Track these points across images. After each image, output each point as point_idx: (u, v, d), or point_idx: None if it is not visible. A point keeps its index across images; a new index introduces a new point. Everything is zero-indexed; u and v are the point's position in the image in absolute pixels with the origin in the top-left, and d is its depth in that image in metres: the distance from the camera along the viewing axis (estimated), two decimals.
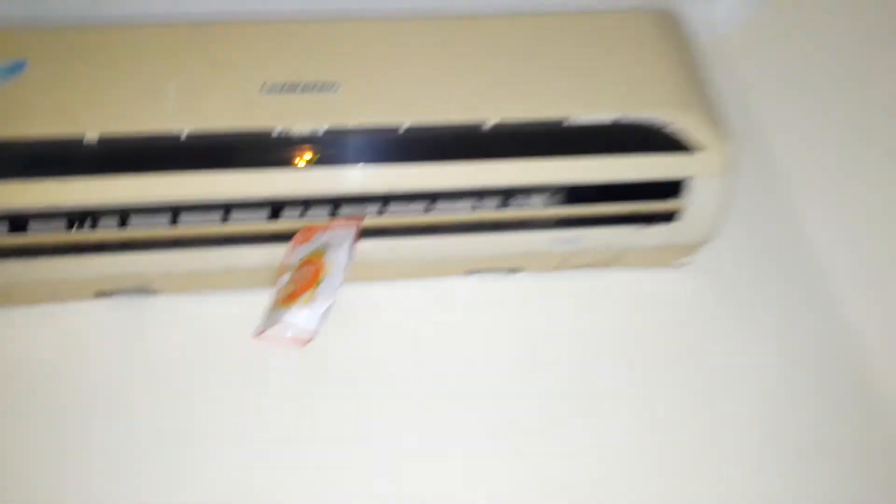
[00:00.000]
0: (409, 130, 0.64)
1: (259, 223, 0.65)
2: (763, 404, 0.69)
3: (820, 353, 0.72)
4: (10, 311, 0.69)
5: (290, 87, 0.65)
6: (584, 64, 0.70)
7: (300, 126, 0.63)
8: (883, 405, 0.69)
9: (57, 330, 0.69)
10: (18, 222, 0.64)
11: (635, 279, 0.75)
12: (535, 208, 0.68)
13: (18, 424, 0.65)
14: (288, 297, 0.61)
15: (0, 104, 0.62)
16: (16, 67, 0.64)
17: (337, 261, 0.62)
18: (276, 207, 0.67)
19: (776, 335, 0.73)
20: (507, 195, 0.68)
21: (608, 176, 0.65)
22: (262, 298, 0.67)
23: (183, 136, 0.62)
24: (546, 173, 0.65)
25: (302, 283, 0.61)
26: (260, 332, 0.63)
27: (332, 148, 0.64)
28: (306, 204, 0.66)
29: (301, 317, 0.59)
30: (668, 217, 0.69)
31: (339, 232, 0.64)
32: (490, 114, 0.65)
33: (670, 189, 0.67)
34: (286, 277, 0.63)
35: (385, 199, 0.66)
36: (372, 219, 0.67)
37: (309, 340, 0.61)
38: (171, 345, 0.69)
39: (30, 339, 0.69)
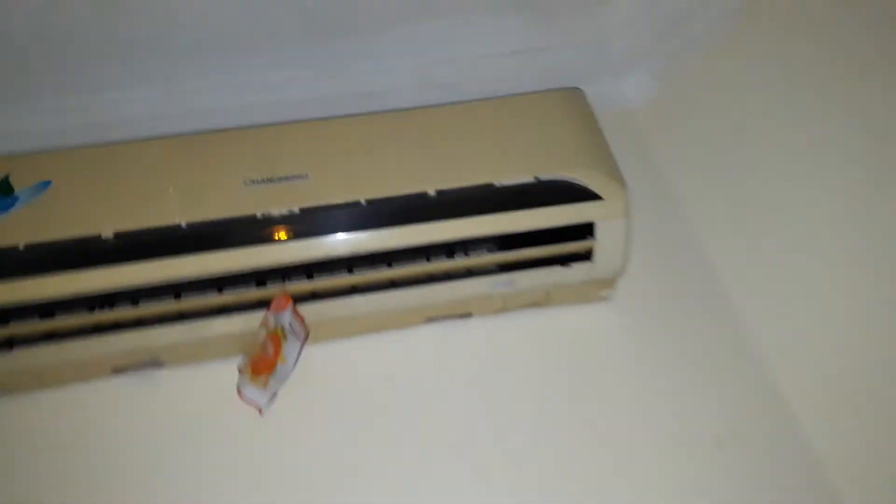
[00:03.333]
0: (369, 203, 0.79)
1: (251, 291, 0.79)
2: (672, 401, 0.84)
3: (721, 364, 0.88)
4: (40, 393, 0.80)
5: (268, 180, 0.80)
6: (508, 138, 0.86)
7: (279, 209, 0.78)
8: (784, 410, 0.83)
9: (82, 406, 0.80)
10: (47, 311, 0.77)
11: (566, 313, 0.90)
12: (476, 257, 0.83)
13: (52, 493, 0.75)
14: (252, 368, 0.76)
15: (32, 216, 0.76)
16: (42, 186, 0.78)
17: (290, 356, 0.78)
18: (260, 278, 0.80)
19: (682, 349, 0.89)
20: (452, 249, 0.84)
21: (532, 224, 0.81)
22: None
23: (184, 226, 0.76)
24: (482, 227, 0.80)
25: (263, 361, 0.76)
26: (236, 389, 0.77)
27: (306, 224, 0.78)
28: (287, 272, 0.80)
29: (256, 394, 0.76)
30: (585, 256, 0.84)
31: (298, 326, 0.79)
32: (433, 184, 0.81)
33: (584, 232, 0.83)
34: (259, 339, 0.77)
35: (352, 261, 0.80)
36: (342, 278, 0.81)
37: (261, 411, 0.77)
38: (178, 412, 0.81)
39: (58, 417, 0.80)
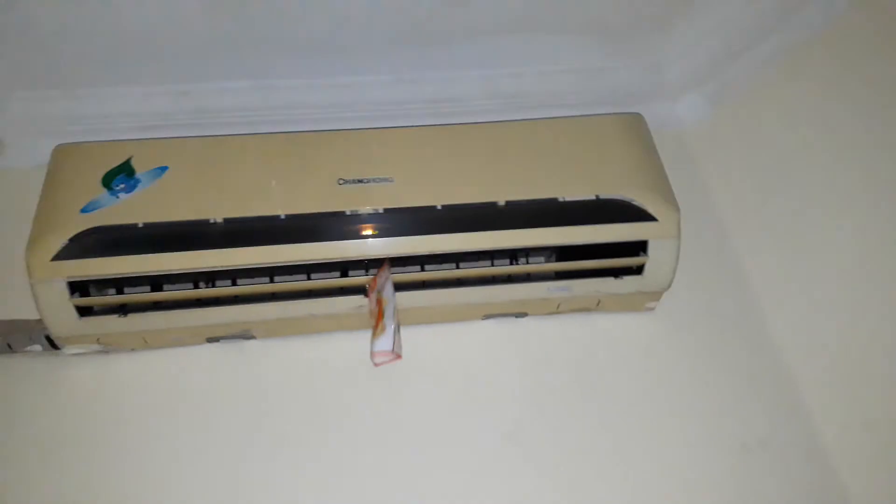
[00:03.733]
0: (444, 208, 0.88)
1: (336, 280, 0.88)
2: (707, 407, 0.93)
3: (751, 377, 0.96)
4: (144, 353, 0.91)
5: (358, 181, 0.89)
6: (573, 156, 0.94)
7: (365, 208, 0.87)
8: (807, 423, 0.91)
9: (178, 367, 0.91)
10: (157, 283, 0.87)
11: (613, 320, 0.99)
12: (537, 264, 0.91)
13: (149, 441, 0.87)
14: (373, 330, 0.84)
15: (150, 197, 0.86)
16: (160, 171, 0.88)
17: (388, 295, 0.85)
18: (344, 268, 0.90)
19: (717, 360, 0.97)
20: (515, 255, 0.92)
21: (591, 238, 0.89)
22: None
23: (282, 217, 0.86)
24: (545, 238, 0.89)
25: (375, 318, 0.84)
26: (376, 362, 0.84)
27: (388, 223, 0.87)
28: (369, 264, 0.89)
29: (378, 343, 0.82)
30: (636, 270, 0.92)
31: (382, 276, 0.88)
32: (503, 195, 0.89)
33: (637, 248, 0.91)
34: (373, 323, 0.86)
35: (425, 259, 0.90)
36: (415, 274, 0.90)
37: (395, 356, 0.82)
38: (266, 379, 0.91)
39: (156, 374, 0.91)
